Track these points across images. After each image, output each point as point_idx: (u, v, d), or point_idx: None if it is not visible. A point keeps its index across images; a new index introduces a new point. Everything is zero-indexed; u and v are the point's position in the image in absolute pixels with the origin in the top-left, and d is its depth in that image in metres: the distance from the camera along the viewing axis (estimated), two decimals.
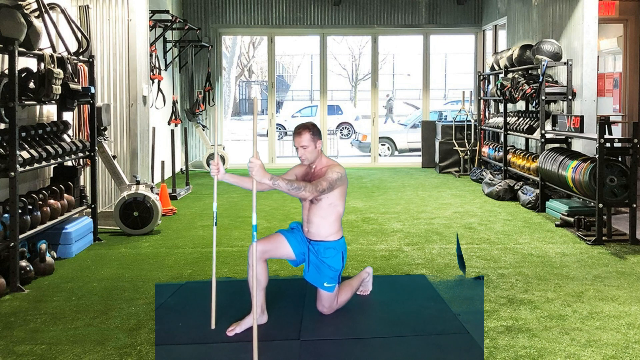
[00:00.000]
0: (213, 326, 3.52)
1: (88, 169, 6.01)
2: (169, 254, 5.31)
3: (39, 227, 4.78)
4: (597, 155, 5.50)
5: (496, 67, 9.30)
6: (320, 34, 11.67)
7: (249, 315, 3.50)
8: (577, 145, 7.06)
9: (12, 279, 4.29)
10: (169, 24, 8.97)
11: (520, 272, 4.66)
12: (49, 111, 5.74)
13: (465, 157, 10.38)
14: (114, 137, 6.73)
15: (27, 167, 4.62)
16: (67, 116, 5.82)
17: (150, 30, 8.04)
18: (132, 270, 4.80)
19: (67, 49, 5.56)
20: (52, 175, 5.67)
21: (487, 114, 10.34)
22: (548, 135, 7.15)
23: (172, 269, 4.84)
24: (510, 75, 8.48)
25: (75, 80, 5.33)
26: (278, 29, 11.49)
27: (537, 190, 7.14)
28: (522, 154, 8.14)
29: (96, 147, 5.81)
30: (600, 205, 5.52)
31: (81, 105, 5.90)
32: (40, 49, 4.95)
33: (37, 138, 4.95)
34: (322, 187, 3.49)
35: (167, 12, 9.12)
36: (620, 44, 9.16)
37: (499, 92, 8.66)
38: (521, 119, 8.27)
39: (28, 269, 4.49)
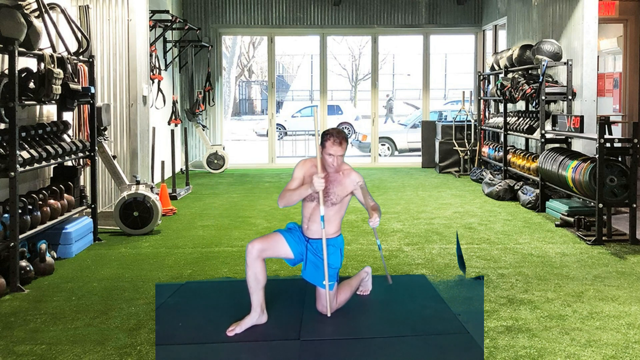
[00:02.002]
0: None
1: (88, 169, 6.01)
2: (169, 254, 5.31)
3: (39, 227, 4.78)
4: (597, 155, 5.50)
5: (496, 67, 9.30)
6: (320, 34, 11.67)
7: (249, 315, 3.51)
8: (577, 145, 7.06)
9: (12, 279, 4.29)
10: (169, 24, 8.98)
11: (520, 272, 4.66)
12: (49, 111, 5.74)
13: (465, 157, 10.38)
14: (114, 137, 6.72)
15: (27, 167, 4.62)
16: (67, 116, 5.82)
17: (150, 30, 8.04)
18: (132, 270, 4.80)
19: (67, 49, 5.56)
20: (52, 175, 5.66)
21: (487, 114, 10.34)
22: (548, 135, 7.15)
23: (172, 269, 4.84)
24: (510, 75, 8.48)
25: (75, 80, 5.33)
26: (278, 29, 11.49)
27: (537, 190, 7.14)
28: (522, 154, 8.14)
29: (96, 147, 5.81)
30: (600, 205, 5.52)
31: (81, 105, 5.90)
32: (40, 49, 4.95)
33: (37, 138, 4.95)
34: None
35: (167, 12, 9.12)
36: (620, 44, 9.16)
37: (499, 92, 8.66)
38: (521, 119, 8.27)
39: (28, 269, 4.49)
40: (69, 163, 5.73)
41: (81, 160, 5.89)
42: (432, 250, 5.33)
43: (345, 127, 20.14)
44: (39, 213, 4.79)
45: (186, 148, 9.53)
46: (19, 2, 4.90)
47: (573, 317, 3.70)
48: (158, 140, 8.75)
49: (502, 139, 8.85)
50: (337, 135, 3.60)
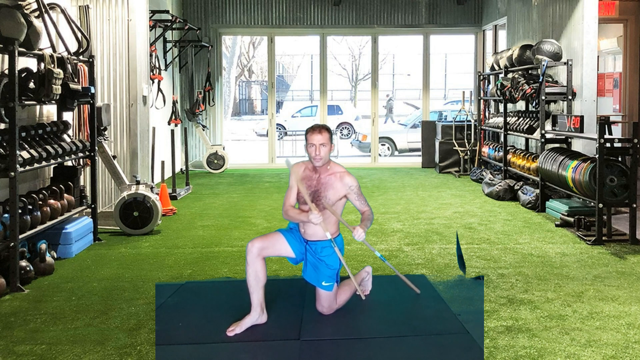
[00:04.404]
0: (418, 291, 3.86)
1: (88, 169, 6.01)
2: (169, 254, 5.30)
3: (39, 227, 4.78)
4: (597, 155, 5.50)
5: (496, 67, 9.30)
6: (320, 34, 11.67)
7: (249, 315, 3.51)
8: (577, 145, 7.06)
9: (12, 279, 4.29)
10: (169, 24, 8.97)
11: (520, 272, 4.66)
12: (49, 111, 5.74)
13: (465, 157, 10.38)
14: (114, 137, 6.72)
15: (27, 167, 4.62)
16: (67, 116, 5.82)
17: (150, 30, 8.04)
18: (132, 270, 4.80)
19: (67, 49, 5.56)
20: (52, 175, 5.66)
21: (487, 114, 10.33)
22: (548, 135, 7.15)
23: (172, 269, 4.84)
24: (510, 75, 8.48)
25: (75, 80, 5.32)
26: (278, 29, 11.49)
27: (537, 190, 7.14)
28: (522, 154, 8.14)
29: (96, 147, 5.81)
30: (600, 205, 5.52)
31: (81, 105, 5.90)
32: (40, 49, 4.95)
33: (37, 138, 4.95)
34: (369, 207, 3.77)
35: (167, 12, 9.12)
36: (620, 44, 9.16)
37: (499, 92, 8.66)
38: (521, 119, 8.27)
39: (28, 269, 4.49)
40: (69, 163, 5.73)
41: (81, 160, 5.89)
42: (432, 250, 5.33)
43: (345, 127, 20.17)
44: (39, 213, 4.79)
45: (186, 148, 9.53)
46: (19, 2, 4.90)
47: (573, 317, 3.70)
48: (158, 140, 8.75)
49: (502, 139, 8.85)
50: (316, 126, 3.67)
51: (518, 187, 7.73)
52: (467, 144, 10.44)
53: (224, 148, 11.10)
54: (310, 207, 3.54)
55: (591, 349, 3.24)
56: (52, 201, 5.08)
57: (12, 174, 4.35)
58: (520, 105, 8.90)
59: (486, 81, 10.40)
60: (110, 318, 3.74)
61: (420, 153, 11.75)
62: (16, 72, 4.37)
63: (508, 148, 8.74)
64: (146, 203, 5.93)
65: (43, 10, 5.16)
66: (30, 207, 4.69)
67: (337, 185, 3.65)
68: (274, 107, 11.94)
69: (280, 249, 3.65)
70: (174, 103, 9.74)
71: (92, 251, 5.42)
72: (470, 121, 10.59)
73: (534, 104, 7.89)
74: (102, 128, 6.02)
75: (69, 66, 5.19)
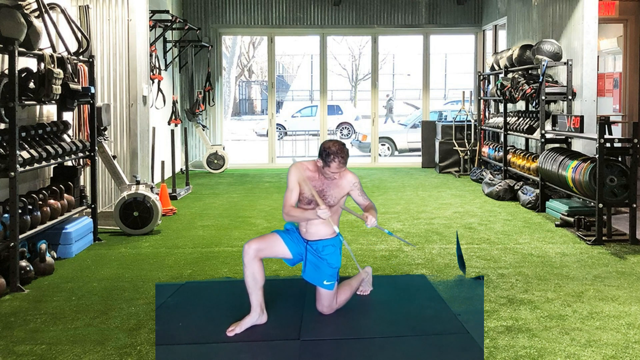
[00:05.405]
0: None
1: (88, 169, 6.01)
2: (169, 254, 5.31)
3: (39, 227, 4.78)
4: (597, 155, 5.50)
5: (496, 67, 9.30)
6: (320, 34, 11.67)
7: (249, 315, 3.51)
8: (577, 145, 7.06)
9: (12, 279, 4.29)
10: (169, 24, 8.97)
11: (520, 272, 4.66)
12: (49, 111, 5.74)
13: (465, 157, 10.38)
14: (114, 137, 6.72)
15: (27, 167, 4.62)
16: (67, 116, 5.82)
17: (150, 30, 8.04)
18: (132, 270, 4.80)
19: (67, 49, 5.56)
20: (52, 175, 5.66)
21: (487, 114, 10.33)
22: (548, 135, 7.15)
23: (172, 269, 4.84)
24: (510, 75, 8.48)
25: (75, 80, 5.32)
26: (278, 29, 11.49)
27: (537, 190, 7.14)
28: (522, 154, 8.14)
29: (96, 147, 5.81)
30: (600, 205, 5.52)
31: (81, 105, 5.90)
32: (40, 49, 4.95)
33: (37, 138, 4.94)
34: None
35: (167, 12, 9.12)
36: (620, 44, 9.16)
37: (499, 92, 8.66)
38: (521, 119, 8.27)
39: (28, 269, 4.49)
40: (69, 163, 5.73)
41: (81, 160, 5.89)
42: (432, 250, 5.33)
43: (345, 127, 20.16)
44: (39, 213, 4.79)
45: (186, 148, 9.53)
46: (19, 2, 4.90)
47: (573, 317, 3.70)
48: (158, 140, 8.75)
49: (502, 139, 8.85)
50: (341, 155, 3.54)
51: (518, 187, 7.73)
52: (467, 144, 10.44)
53: (224, 148, 11.10)
54: (318, 202, 3.53)
55: (591, 349, 3.24)
56: (52, 201, 5.07)
57: (12, 174, 4.35)
58: (520, 105, 8.90)
59: (486, 81, 10.40)
60: (110, 318, 3.74)
61: (420, 153, 11.75)
62: (16, 72, 4.37)
63: (508, 148, 8.74)
64: (146, 203, 5.93)
65: (43, 10, 5.16)
66: (30, 207, 4.69)
67: (341, 183, 3.67)
68: (274, 107, 11.94)
69: (277, 250, 3.66)
70: (174, 103, 9.75)
71: (92, 251, 5.42)
72: (470, 121, 10.59)
73: (534, 104, 7.89)
74: (102, 128, 6.02)
75: (69, 66, 5.19)
